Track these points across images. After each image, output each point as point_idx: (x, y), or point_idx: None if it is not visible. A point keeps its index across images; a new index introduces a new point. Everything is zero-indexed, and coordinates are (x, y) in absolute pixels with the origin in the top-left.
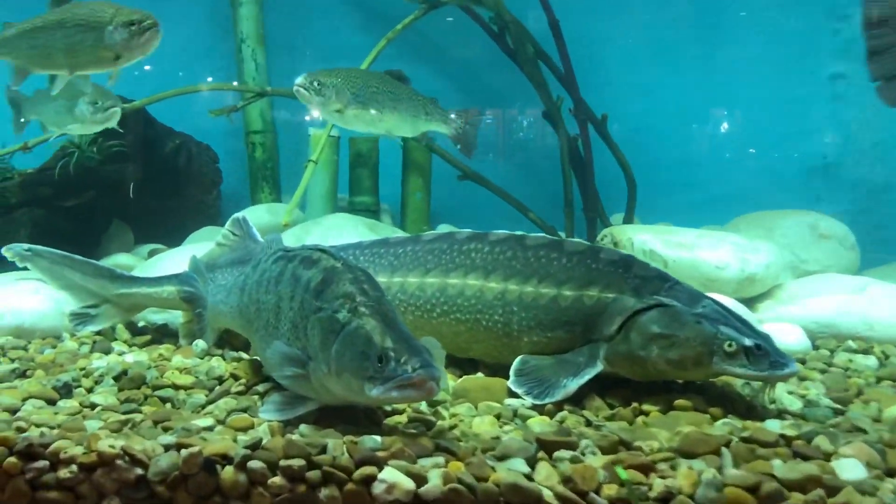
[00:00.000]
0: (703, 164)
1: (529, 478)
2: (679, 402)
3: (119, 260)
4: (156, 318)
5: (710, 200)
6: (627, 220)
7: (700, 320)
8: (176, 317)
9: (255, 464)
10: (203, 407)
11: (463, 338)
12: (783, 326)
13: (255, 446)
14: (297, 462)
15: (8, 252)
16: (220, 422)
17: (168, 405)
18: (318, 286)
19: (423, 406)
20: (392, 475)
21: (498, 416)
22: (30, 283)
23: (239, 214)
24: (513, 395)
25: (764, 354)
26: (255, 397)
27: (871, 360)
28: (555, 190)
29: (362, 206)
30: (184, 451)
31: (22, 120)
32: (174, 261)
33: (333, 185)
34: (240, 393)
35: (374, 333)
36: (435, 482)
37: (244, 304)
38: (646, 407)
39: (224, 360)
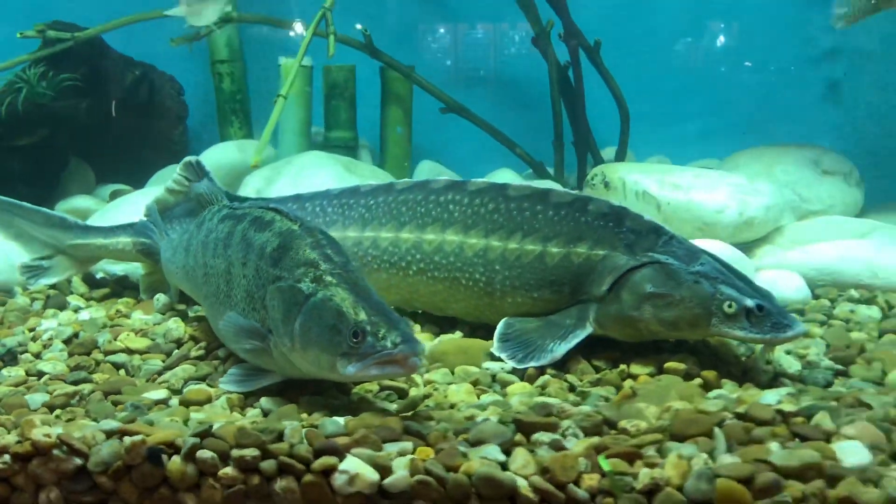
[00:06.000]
0: (701, 92)
1: (504, 467)
2: (670, 364)
3: (77, 203)
4: (115, 268)
5: (710, 132)
6: (620, 155)
7: (698, 279)
8: (137, 267)
9: (204, 453)
10: (159, 374)
11: (441, 296)
12: (782, 274)
13: (205, 434)
14: (251, 452)
15: None
16: (176, 392)
17: (121, 372)
18: (275, 252)
19: None
20: (354, 465)
21: (475, 383)
22: None
23: (192, 158)
24: (494, 357)
25: (766, 315)
26: (216, 362)
27: (875, 311)
28: (544, 123)
29: (339, 141)
30: (127, 440)
31: None
32: (136, 204)
33: (307, 120)
34: (199, 358)
35: (345, 305)
36: (401, 473)
37: (190, 266)
38: (634, 369)
39: (183, 319)
